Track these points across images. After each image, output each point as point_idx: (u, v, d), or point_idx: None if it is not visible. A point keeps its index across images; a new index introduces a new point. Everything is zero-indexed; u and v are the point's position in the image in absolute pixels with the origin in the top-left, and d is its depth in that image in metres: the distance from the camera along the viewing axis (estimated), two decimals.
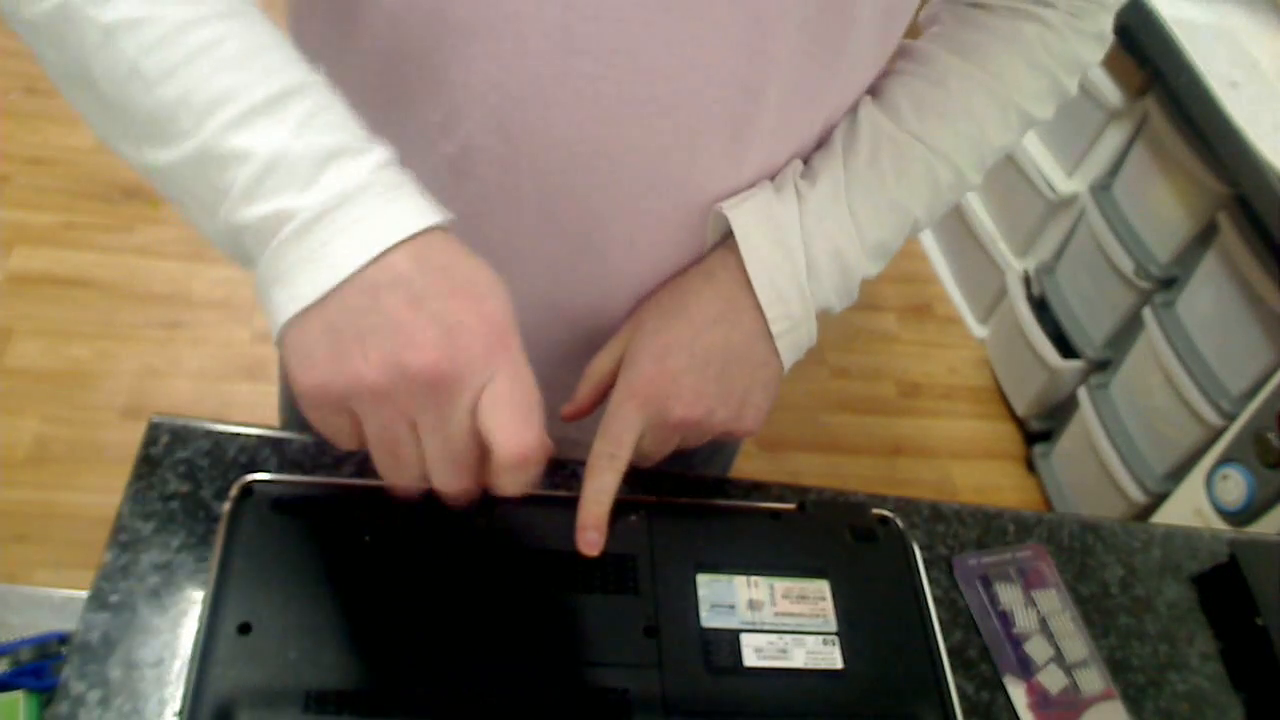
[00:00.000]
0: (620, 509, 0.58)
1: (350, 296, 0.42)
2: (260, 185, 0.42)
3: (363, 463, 0.60)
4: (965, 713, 0.58)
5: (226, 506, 0.55)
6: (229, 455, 0.59)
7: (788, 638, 0.57)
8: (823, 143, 0.62)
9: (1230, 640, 0.67)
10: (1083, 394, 1.80)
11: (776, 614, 0.58)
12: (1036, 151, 1.90)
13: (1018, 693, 0.60)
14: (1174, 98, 1.53)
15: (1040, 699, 0.60)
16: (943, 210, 0.65)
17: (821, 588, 0.60)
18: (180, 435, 0.59)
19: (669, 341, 0.58)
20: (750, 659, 0.56)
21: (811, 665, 0.56)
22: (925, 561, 0.64)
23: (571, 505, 0.57)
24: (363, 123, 0.45)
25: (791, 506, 0.64)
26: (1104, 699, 0.61)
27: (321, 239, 0.42)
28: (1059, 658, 0.62)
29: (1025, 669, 0.61)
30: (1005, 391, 2.06)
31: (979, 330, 2.18)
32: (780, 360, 0.60)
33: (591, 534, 0.56)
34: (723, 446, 0.82)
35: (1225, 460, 1.48)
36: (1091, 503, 1.79)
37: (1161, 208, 1.64)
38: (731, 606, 0.57)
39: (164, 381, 1.75)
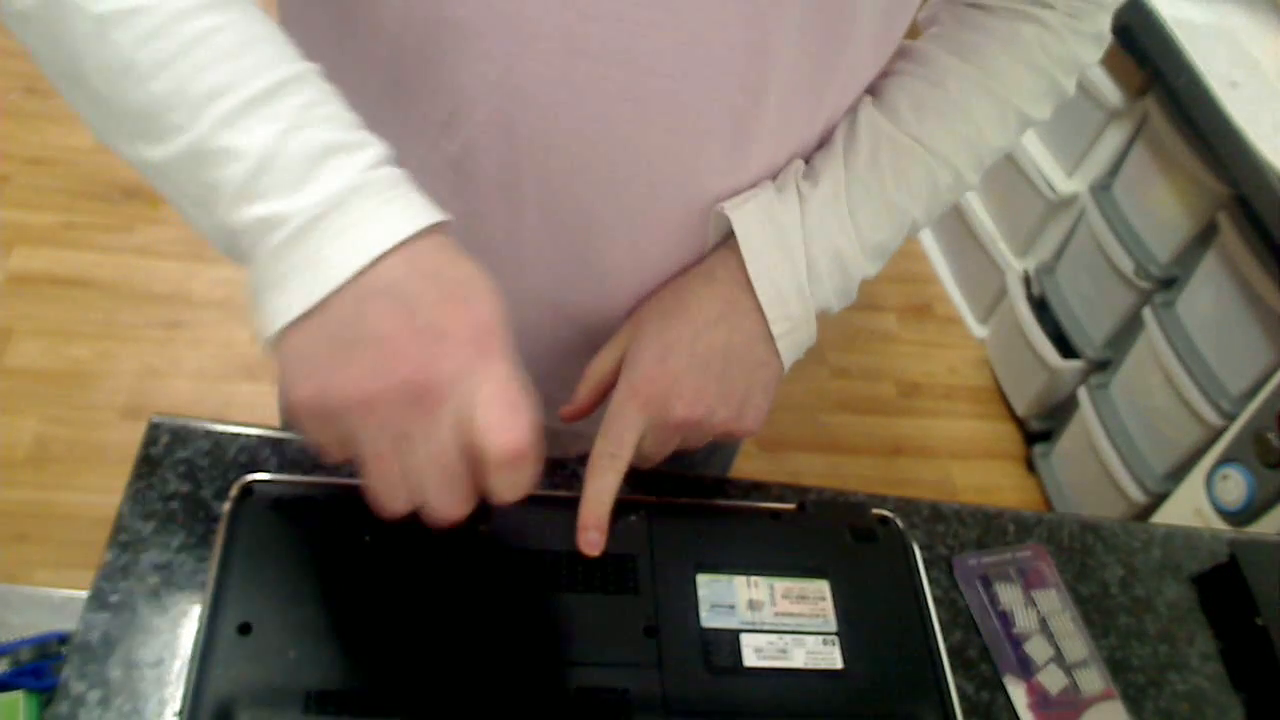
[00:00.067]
0: (620, 509, 0.58)
1: (340, 306, 0.41)
2: (252, 185, 0.42)
3: None
4: (965, 713, 0.58)
5: (226, 506, 0.55)
6: (229, 455, 0.59)
7: (788, 638, 0.57)
8: (824, 142, 0.62)
9: (1230, 640, 0.67)
10: (1083, 394, 1.80)
11: (776, 614, 0.58)
12: (1036, 151, 1.90)
13: (1018, 693, 0.60)
14: (1174, 98, 1.53)
15: (1040, 699, 0.60)
16: (941, 210, 0.65)
17: (821, 588, 0.60)
18: (180, 435, 0.59)
19: (670, 341, 0.58)
20: (750, 659, 0.56)
21: (811, 665, 0.56)
22: (925, 561, 0.64)
23: (571, 505, 0.57)
24: (363, 121, 0.45)
25: (791, 506, 0.64)
26: (1104, 699, 0.61)
27: (313, 246, 0.41)
28: (1059, 658, 0.62)
29: (1025, 669, 0.61)
30: (1005, 391, 2.06)
31: (979, 330, 2.18)
32: (780, 361, 0.60)
33: (593, 534, 0.56)
34: (722, 446, 0.82)
35: (1225, 460, 1.48)
36: (1091, 503, 1.79)
37: (1161, 208, 1.64)
38: (731, 606, 0.57)
39: (164, 381, 1.75)
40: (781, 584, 0.59)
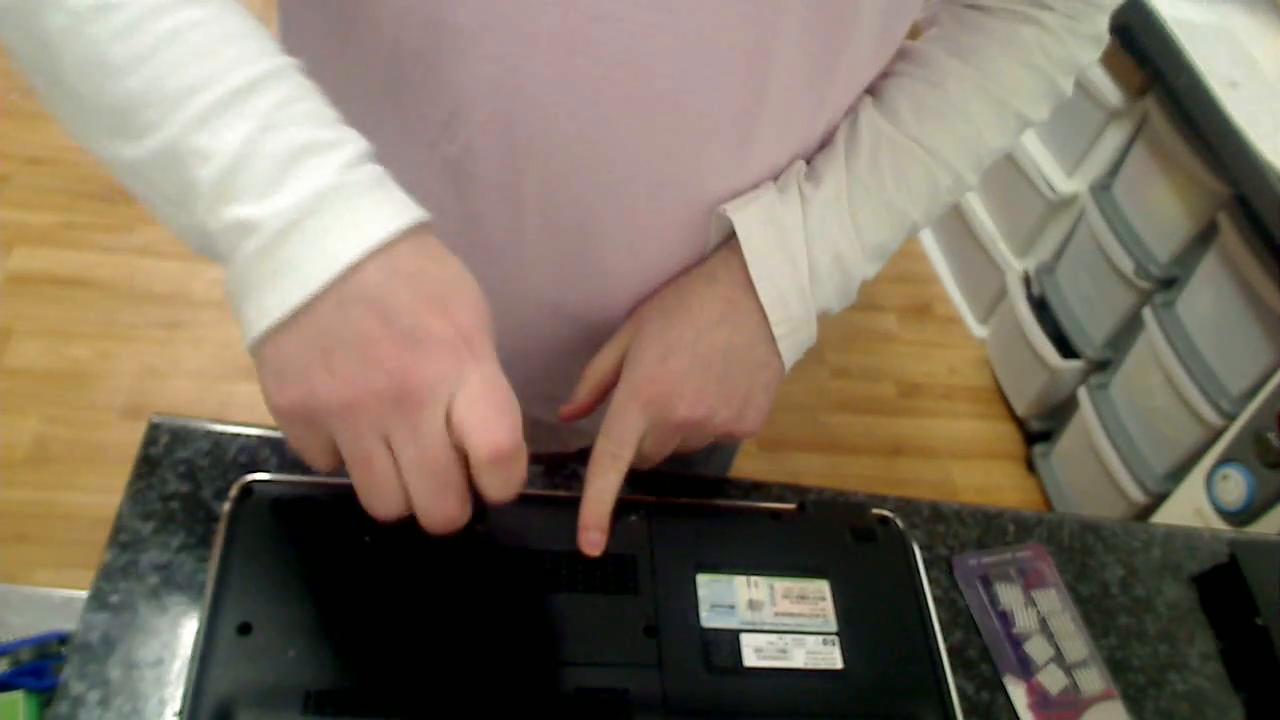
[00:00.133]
0: (621, 509, 0.58)
1: (318, 311, 0.41)
2: (227, 187, 0.41)
3: None
4: (965, 713, 0.58)
5: (226, 507, 0.55)
6: (229, 455, 0.59)
7: (788, 638, 0.57)
8: (825, 143, 0.62)
9: (1230, 640, 0.67)
10: (1083, 394, 1.80)
11: (776, 614, 0.58)
12: (1036, 151, 1.90)
13: (1018, 693, 0.60)
14: (1174, 98, 1.53)
15: (1040, 699, 0.60)
16: (940, 211, 0.65)
17: (821, 588, 0.60)
18: (180, 435, 0.59)
19: (672, 341, 0.58)
20: (750, 659, 0.56)
21: (811, 665, 0.56)
22: (925, 561, 0.64)
23: (571, 505, 0.57)
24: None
25: (791, 506, 0.64)
26: (1104, 699, 0.61)
27: (290, 253, 0.41)
28: (1059, 658, 0.62)
29: (1025, 669, 0.61)
30: (1005, 391, 2.06)
31: (979, 330, 2.18)
32: (781, 362, 0.60)
33: (594, 534, 0.56)
34: (722, 447, 0.82)
35: (1225, 460, 1.48)
36: (1091, 503, 1.79)
37: (1161, 208, 1.64)
38: (731, 606, 0.57)
39: (164, 381, 1.75)
40: (781, 584, 0.59)
